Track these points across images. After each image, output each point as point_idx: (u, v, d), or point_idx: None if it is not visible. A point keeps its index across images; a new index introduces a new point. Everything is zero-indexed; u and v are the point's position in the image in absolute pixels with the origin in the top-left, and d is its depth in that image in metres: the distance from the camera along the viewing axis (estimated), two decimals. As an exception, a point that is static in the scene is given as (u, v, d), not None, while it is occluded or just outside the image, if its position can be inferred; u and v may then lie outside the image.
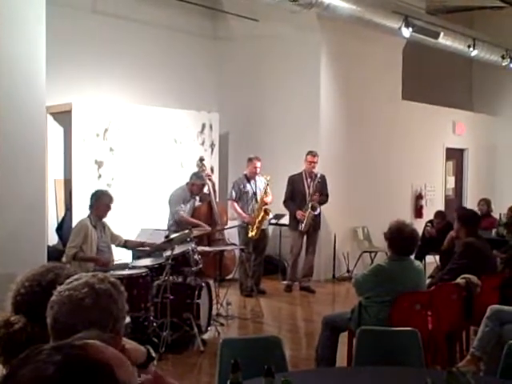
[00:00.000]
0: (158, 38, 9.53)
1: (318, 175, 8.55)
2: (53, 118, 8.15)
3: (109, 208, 6.15)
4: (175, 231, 6.97)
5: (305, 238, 8.74)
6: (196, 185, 7.77)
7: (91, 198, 6.15)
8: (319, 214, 8.60)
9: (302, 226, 8.50)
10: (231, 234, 8.34)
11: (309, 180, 8.58)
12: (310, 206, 8.42)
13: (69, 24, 8.32)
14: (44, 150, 6.43)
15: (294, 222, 8.63)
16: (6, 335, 1.92)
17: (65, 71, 8.12)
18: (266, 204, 8.29)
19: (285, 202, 8.68)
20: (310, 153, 8.62)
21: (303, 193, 8.54)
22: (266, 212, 8.26)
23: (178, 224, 7.54)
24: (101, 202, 6.09)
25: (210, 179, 8.06)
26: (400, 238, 4.56)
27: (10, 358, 1.93)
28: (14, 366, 1.02)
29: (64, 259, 5.98)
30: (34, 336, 1.93)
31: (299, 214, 8.48)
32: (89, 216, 6.10)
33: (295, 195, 8.61)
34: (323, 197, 8.62)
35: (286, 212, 9.12)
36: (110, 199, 6.16)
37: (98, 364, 1.00)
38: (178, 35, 9.87)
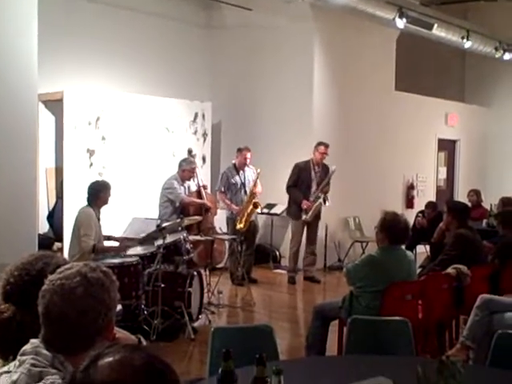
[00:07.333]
0: (150, 27, 9.47)
1: (332, 168, 8.49)
2: (44, 106, 8.11)
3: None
4: (167, 220, 6.99)
5: (305, 227, 8.68)
6: (187, 170, 7.71)
7: (94, 189, 6.05)
8: None
9: (307, 217, 8.43)
10: (221, 223, 8.33)
11: (316, 169, 8.53)
12: (322, 197, 8.37)
13: (61, 12, 8.25)
14: (36, 138, 6.39)
15: (297, 210, 8.51)
16: (-4, 324, 1.92)
17: (57, 59, 8.07)
18: (256, 195, 8.21)
19: (288, 188, 8.55)
20: (322, 144, 8.52)
21: (309, 182, 8.47)
22: (255, 205, 8.13)
23: (176, 209, 7.53)
24: (106, 194, 6.06)
25: (204, 187, 8.04)
26: (395, 227, 4.55)
27: (0, 346, 1.94)
28: (91, 359, 1.23)
29: (72, 251, 5.93)
30: (24, 325, 1.93)
31: (305, 204, 8.39)
32: (91, 206, 5.99)
33: (300, 183, 8.50)
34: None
35: (278, 201, 9.08)
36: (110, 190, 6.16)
37: (170, 366, 1.28)
38: (172, 24, 9.81)
